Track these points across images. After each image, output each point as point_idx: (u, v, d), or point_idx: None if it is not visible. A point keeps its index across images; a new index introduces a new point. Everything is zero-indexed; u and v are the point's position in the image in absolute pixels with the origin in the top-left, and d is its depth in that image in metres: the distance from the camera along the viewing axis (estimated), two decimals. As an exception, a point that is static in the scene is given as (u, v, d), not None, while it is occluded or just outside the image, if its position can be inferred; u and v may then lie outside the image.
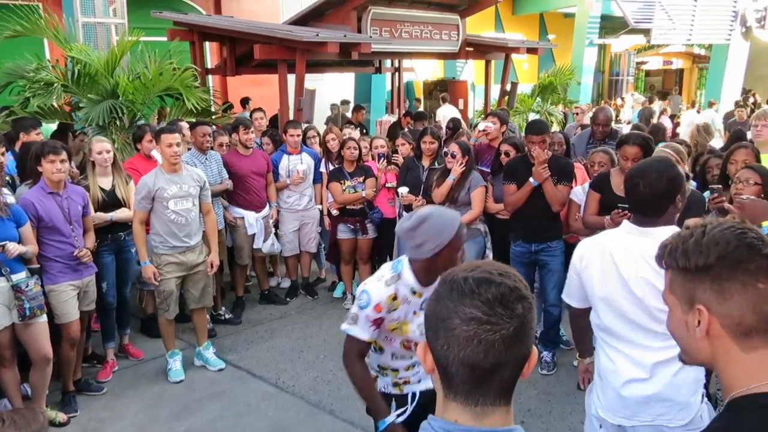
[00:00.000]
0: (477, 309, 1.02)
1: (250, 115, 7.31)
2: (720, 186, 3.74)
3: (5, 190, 3.99)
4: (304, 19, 8.17)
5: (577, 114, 9.26)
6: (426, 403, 2.47)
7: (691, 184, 4.17)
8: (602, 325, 2.36)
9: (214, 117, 7.04)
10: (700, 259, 1.12)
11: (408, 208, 5.39)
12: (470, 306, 1.02)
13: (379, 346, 2.51)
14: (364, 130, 9.13)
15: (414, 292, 2.37)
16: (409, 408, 2.52)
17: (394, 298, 2.35)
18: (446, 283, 1.08)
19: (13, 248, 3.54)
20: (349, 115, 10.89)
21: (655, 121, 10.33)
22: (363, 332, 2.35)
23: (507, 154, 4.93)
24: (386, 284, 2.35)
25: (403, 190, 5.28)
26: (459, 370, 1.03)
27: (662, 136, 6.40)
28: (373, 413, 2.43)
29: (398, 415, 2.43)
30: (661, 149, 3.64)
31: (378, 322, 2.36)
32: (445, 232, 2.23)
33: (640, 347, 2.26)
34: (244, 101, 10.79)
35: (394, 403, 2.50)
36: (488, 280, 1.04)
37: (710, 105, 15.23)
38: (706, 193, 3.75)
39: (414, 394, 2.54)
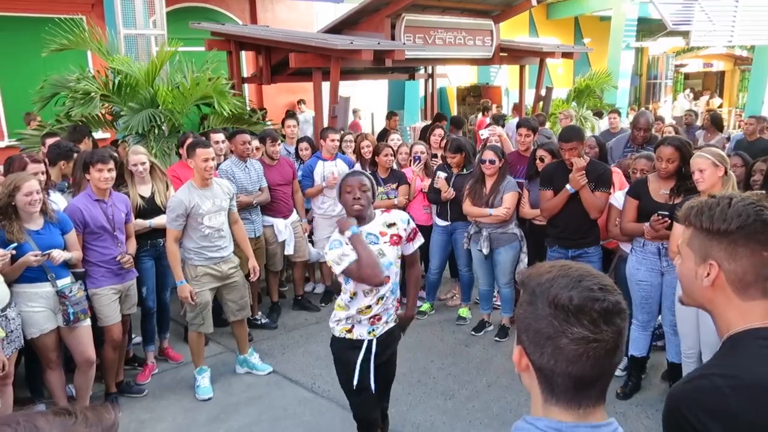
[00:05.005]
0: (585, 329, 1.06)
1: (283, 123, 7.41)
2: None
3: (52, 198, 4.14)
4: (339, 28, 8.25)
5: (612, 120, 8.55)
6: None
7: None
8: None
9: (249, 125, 7.16)
10: (723, 225, 1.33)
11: (437, 201, 5.46)
12: (578, 326, 1.07)
13: (353, 293, 3.02)
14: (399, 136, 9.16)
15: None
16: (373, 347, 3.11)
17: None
18: (546, 300, 1.10)
19: (58, 255, 3.66)
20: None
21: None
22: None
23: (542, 159, 4.90)
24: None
25: (441, 174, 5.35)
26: (565, 381, 1.10)
27: None
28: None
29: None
30: (700, 153, 3.56)
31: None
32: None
33: None
34: (300, 102, 12.11)
35: (373, 346, 3.10)
36: (593, 299, 1.07)
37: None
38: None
39: (370, 341, 3.11)
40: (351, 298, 3.05)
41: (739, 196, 1.38)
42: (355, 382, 3.07)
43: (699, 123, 10.00)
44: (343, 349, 3.12)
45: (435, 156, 6.02)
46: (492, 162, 4.90)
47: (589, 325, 1.06)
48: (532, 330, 1.11)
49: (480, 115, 12.37)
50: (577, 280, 1.09)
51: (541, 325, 1.09)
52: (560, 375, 1.09)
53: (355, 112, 12.62)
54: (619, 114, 8.32)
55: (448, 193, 5.26)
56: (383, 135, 8.29)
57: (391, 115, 9.94)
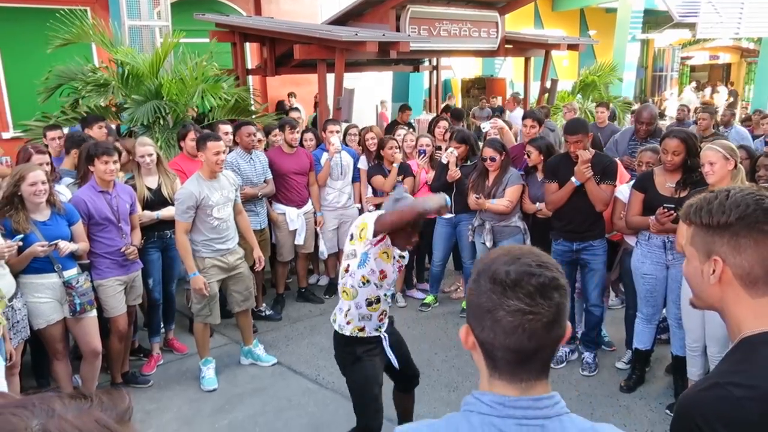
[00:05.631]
0: (520, 301, 1.10)
1: (287, 113, 7.41)
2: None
3: (59, 189, 4.15)
4: (343, 19, 8.22)
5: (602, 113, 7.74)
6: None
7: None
8: None
9: (254, 116, 7.16)
10: (722, 218, 1.29)
11: (441, 190, 5.42)
12: (514, 299, 1.10)
13: (366, 279, 3.06)
14: (412, 130, 9.15)
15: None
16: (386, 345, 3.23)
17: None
18: (487, 276, 1.13)
19: (65, 246, 3.67)
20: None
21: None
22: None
23: (529, 155, 4.91)
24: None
25: (454, 151, 5.34)
26: (505, 354, 1.13)
27: None
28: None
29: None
30: (710, 146, 3.55)
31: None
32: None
33: None
34: (291, 95, 11.86)
35: (387, 344, 3.23)
36: (529, 273, 1.11)
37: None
38: None
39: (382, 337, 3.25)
40: (363, 283, 3.07)
41: (737, 188, 1.33)
42: (394, 361, 3.22)
43: (695, 117, 9.91)
44: (364, 344, 3.19)
45: (439, 148, 6.02)
46: (492, 159, 4.92)
47: (525, 298, 1.09)
48: (474, 305, 1.15)
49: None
50: (517, 257, 1.14)
51: (481, 299, 1.13)
52: (500, 348, 1.12)
53: (382, 103, 12.66)
54: (608, 107, 8.04)
55: (455, 172, 5.26)
56: (391, 127, 8.28)
57: (404, 108, 9.91)
